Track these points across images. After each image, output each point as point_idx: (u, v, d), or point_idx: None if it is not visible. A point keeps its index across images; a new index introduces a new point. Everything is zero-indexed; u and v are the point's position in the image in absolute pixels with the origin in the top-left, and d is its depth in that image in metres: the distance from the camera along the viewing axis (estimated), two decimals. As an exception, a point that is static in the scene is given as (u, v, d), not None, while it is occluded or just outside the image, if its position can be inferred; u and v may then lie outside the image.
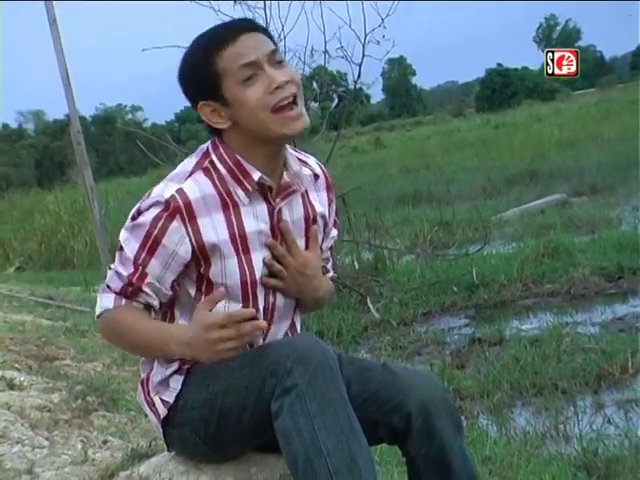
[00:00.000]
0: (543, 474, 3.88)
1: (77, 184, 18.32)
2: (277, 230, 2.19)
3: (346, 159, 26.85)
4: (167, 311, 2.22)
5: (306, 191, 2.27)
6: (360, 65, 9.39)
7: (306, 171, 2.27)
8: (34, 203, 21.47)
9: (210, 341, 2.02)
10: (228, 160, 2.14)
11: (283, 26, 9.03)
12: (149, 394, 2.21)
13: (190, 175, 2.12)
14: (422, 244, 11.26)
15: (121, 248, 2.13)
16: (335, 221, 2.44)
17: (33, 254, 16.47)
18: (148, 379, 2.21)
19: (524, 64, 69.57)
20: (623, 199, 13.68)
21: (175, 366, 2.17)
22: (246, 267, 2.13)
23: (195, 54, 2.14)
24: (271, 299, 2.21)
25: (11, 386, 4.16)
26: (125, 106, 73.05)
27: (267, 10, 9.00)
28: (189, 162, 2.17)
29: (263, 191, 2.16)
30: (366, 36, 9.10)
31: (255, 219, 2.15)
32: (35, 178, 46.39)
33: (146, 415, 2.30)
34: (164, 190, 2.10)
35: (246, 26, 2.15)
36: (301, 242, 2.24)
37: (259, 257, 2.16)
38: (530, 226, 11.98)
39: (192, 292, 2.16)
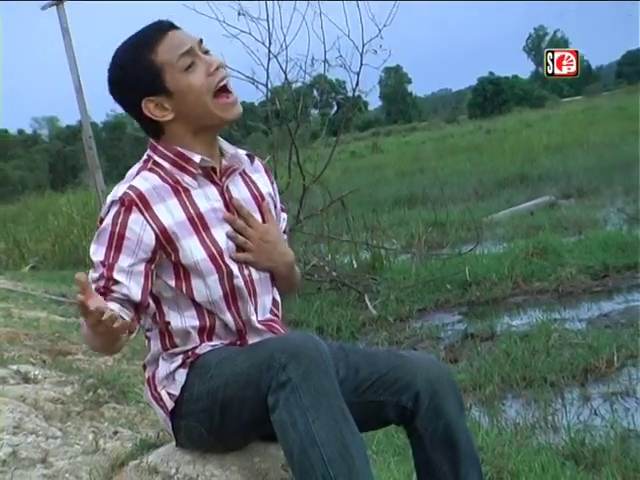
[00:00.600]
0: (533, 463, 3.87)
1: (89, 187, 18.30)
2: (231, 207, 2.20)
3: (345, 163, 26.87)
4: (156, 311, 2.19)
5: (244, 171, 2.28)
6: (358, 74, 9.43)
7: (241, 152, 2.29)
8: (48, 205, 21.43)
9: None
10: (169, 154, 2.16)
11: (285, 37, 9.07)
12: (156, 389, 2.20)
13: (137, 174, 2.16)
14: (417, 244, 11.26)
15: (92, 263, 2.11)
16: (282, 207, 2.45)
17: (47, 254, 16.45)
18: (154, 376, 2.21)
19: (514, 72, 69.66)
20: (608, 201, 13.69)
21: (179, 361, 2.17)
22: (209, 242, 2.14)
23: (129, 57, 2.14)
24: (246, 272, 2.20)
25: (26, 379, 4.15)
26: (135, 113, 72.75)
27: (270, 21, 9.02)
28: (134, 167, 2.20)
29: (208, 175, 2.18)
30: (364, 46, 9.14)
31: (207, 199, 2.17)
32: (49, 181, 46.32)
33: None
34: (116, 192, 2.12)
35: (169, 24, 2.17)
36: (256, 217, 2.25)
37: (220, 232, 2.17)
38: (520, 227, 11.98)
39: (172, 283, 2.15)
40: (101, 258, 2.08)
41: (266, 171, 2.39)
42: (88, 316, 1.81)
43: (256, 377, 1.98)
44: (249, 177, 2.29)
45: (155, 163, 2.17)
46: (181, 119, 2.15)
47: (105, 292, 2.05)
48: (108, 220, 2.09)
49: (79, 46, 13.31)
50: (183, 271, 2.14)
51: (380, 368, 2.17)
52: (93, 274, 2.08)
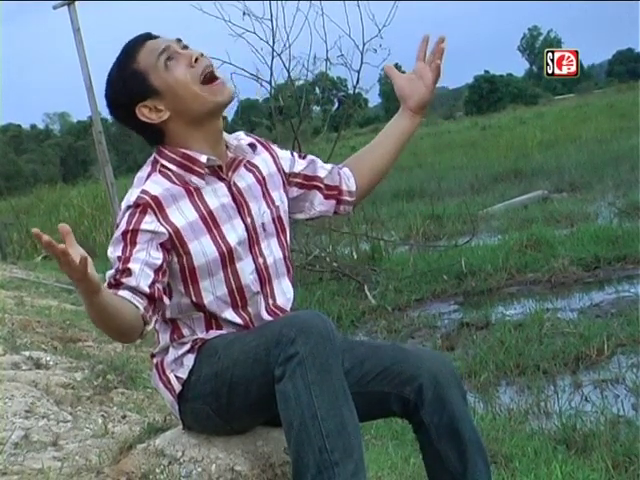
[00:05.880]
0: (526, 447, 3.88)
1: (99, 180, 18.31)
2: (239, 200, 2.17)
3: (345, 158, 26.78)
4: (168, 320, 2.18)
5: (248, 161, 2.25)
6: (359, 72, 9.42)
7: (244, 142, 2.26)
8: (59, 197, 21.46)
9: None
10: (175, 157, 2.14)
11: (288, 36, 9.06)
12: (164, 373, 2.19)
13: (147, 178, 2.12)
14: (415, 236, 11.29)
15: (110, 262, 2.08)
16: (303, 155, 2.42)
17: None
18: (162, 361, 2.20)
19: (509, 71, 69.51)
20: (599, 195, 13.67)
21: (187, 346, 2.15)
22: (219, 239, 2.12)
23: (115, 72, 2.14)
24: (260, 260, 2.19)
25: (38, 365, 4.15)
26: (143, 109, 72.74)
27: (273, 21, 9.02)
28: (143, 171, 2.16)
29: (215, 172, 2.16)
30: (364, 45, 9.12)
31: (216, 196, 2.15)
32: (60, 174, 46.27)
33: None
34: (129, 197, 2.09)
35: (146, 35, 2.17)
36: (262, 203, 2.22)
37: (229, 228, 2.14)
38: (514, 220, 11.97)
39: (181, 288, 2.13)
40: (118, 254, 2.05)
41: (265, 147, 2.34)
42: (67, 265, 1.76)
43: (264, 354, 1.97)
44: (252, 163, 2.26)
45: (163, 166, 2.14)
46: (177, 116, 2.12)
47: (116, 284, 2.02)
48: (123, 223, 2.06)
49: (90, 44, 13.28)
50: (190, 273, 2.12)
51: (384, 361, 2.15)
52: (109, 273, 2.05)
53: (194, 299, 2.13)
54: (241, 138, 2.28)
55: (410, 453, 3.44)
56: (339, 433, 1.88)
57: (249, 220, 2.18)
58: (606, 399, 4.96)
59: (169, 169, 2.13)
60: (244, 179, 2.21)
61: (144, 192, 2.08)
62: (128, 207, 2.07)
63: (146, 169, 2.16)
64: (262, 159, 2.30)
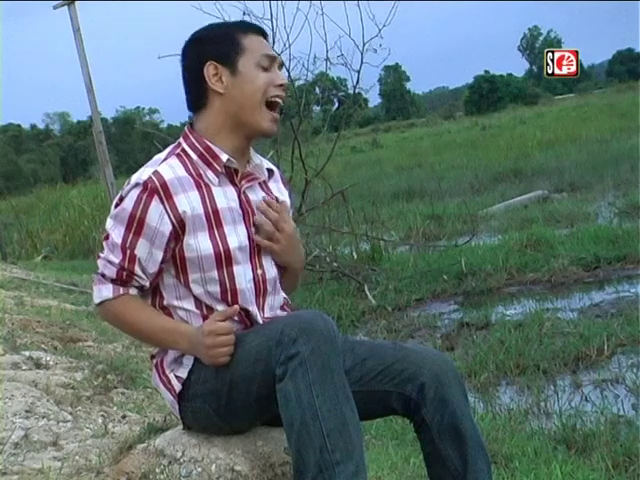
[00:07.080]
0: (526, 447, 3.88)
1: (99, 180, 18.32)
2: (246, 208, 2.19)
3: (345, 158, 26.86)
4: (156, 293, 2.20)
5: (264, 182, 2.29)
6: (359, 72, 9.44)
7: (266, 164, 2.32)
8: (59, 197, 21.48)
9: (206, 345, 2.04)
10: (199, 146, 2.17)
11: (288, 36, 9.07)
12: (164, 373, 2.20)
13: (164, 160, 2.15)
14: (415, 236, 11.29)
15: (107, 237, 2.13)
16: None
17: (58, 244, 16.48)
18: (162, 361, 2.20)
19: (509, 71, 69.62)
20: (599, 195, 13.68)
21: (187, 346, 2.16)
22: (218, 239, 2.13)
23: (221, 26, 2.22)
24: (259, 271, 2.20)
25: (38, 365, 4.16)
26: (143, 108, 73.02)
27: (273, 21, 9.02)
28: (163, 152, 2.21)
29: (230, 176, 2.19)
30: (364, 45, 9.14)
31: (225, 198, 2.17)
32: (60, 174, 46.33)
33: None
34: (141, 174, 2.11)
35: (266, 33, 2.25)
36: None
37: (232, 230, 2.15)
38: (514, 220, 11.98)
39: (172, 272, 2.15)
40: (120, 240, 2.10)
41: (284, 183, 2.40)
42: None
43: (265, 353, 1.97)
44: (266, 185, 2.30)
45: (184, 151, 2.18)
46: (227, 100, 2.16)
47: (127, 280, 2.13)
48: (129, 202, 2.09)
49: (90, 44, 13.29)
50: (181, 261, 2.13)
51: (386, 359, 2.16)
52: (111, 256, 2.11)
53: (182, 283, 2.15)
54: (264, 161, 2.32)
55: (410, 453, 3.44)
56: (340, 433, 1.88)
57: (253, 230, 2.20)
58: (606, 399, 4.96)
59: (189, 156, 2.16)
60: (255, 193, 2.25)
61: (156, 173, 2.10)
62: (137, 184, 2.10)
63: (167, 150, 2.20)
64: (277, 188, 2.35)
